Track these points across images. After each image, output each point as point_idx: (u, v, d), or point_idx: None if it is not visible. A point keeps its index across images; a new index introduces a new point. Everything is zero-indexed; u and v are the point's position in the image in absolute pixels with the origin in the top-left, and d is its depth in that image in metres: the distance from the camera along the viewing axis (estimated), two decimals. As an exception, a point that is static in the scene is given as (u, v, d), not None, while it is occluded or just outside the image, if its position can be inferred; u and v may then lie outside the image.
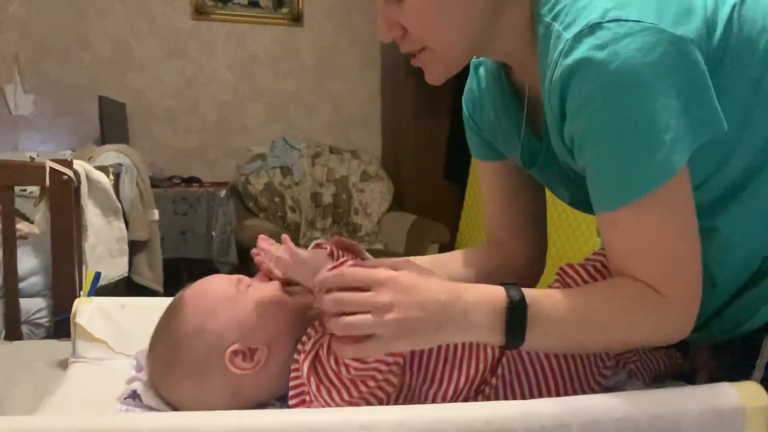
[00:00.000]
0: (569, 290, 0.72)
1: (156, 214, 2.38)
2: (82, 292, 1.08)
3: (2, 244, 1.58)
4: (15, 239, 1.59)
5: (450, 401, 0.74)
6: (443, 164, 3.56)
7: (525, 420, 0.61)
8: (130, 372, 0.81)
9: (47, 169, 1.62)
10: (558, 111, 0.70)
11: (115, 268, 1.95)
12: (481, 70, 0.93)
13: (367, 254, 0.82)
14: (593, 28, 0.64)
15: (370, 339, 0.64)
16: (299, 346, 0.74)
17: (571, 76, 0.65)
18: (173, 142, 3.73)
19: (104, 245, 1.87)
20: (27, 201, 2.65)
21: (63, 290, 1.64)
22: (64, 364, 1.00)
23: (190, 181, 3.48)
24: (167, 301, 0.81)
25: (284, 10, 3.85)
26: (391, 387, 0.72)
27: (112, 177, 2.02)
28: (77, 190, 1.74)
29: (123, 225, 2.02)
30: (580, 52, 0.64)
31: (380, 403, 0.72)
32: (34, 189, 2.60)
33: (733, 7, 0.69)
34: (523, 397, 0.76)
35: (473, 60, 0.94)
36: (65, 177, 1.63)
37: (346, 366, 0.68)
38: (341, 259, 0.74)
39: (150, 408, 0.76)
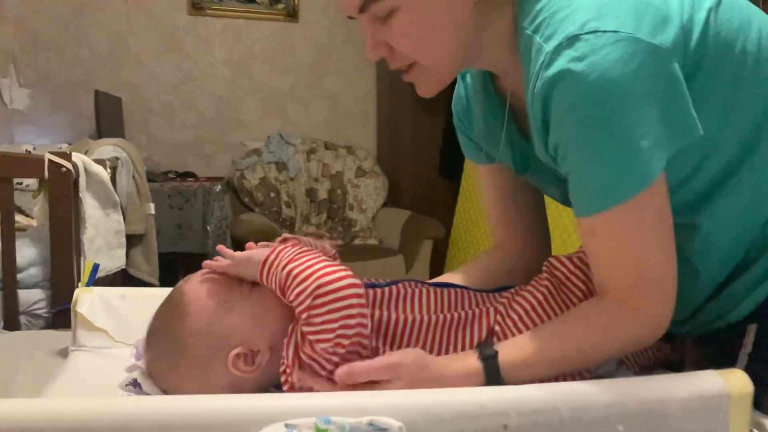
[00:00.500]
0: (541, 330, 0.74)
1: (152, 208, 2.39)
2: (80, 284, 1.09)
3: (1, 236, 1.58)
4: (14, 230, 1.60)
5: None
6: (438, 161, 3.58)
7: (517, 404, 0.63)
8: (131, 360, 0.83)
9: (46, 161, 1.63)
10: (540, 122, 0.71)
11: (113, 260, 1.95)
12: (468, 78, 0.94)
13: (329, 246, 0.86)
14: (572, 40, 0.65)
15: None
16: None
17: (552, 88, 0.67)
18: (169, 137, 3.73)
19: (102, 237, 1.88)
20: (23, 194, 2.66)
21: (61, 281, 1.65)
22: (64, 353, 1.01)
23: (185, 175, 3.48)
24: (167, 291, 0.82)
25: (280, 5, 3.85)
26: (364, 352, 0.74)
27: (109, 170, 2.02)
28: (76, 182, 1.74)
29: (121, 217, 2.03)
30: (560, 64, 0.65)
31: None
32: (31, 182, 2.60)
33: (709, 10, 0.70)
34: None
35: None
36: (64, 169, 1.64)
37: (311, 343, 0.71)
38: (279, 246, 0.77)
39: (149, 395, 0.77)
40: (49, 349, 1.06)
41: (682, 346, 0.90)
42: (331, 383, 0.72)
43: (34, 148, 3.10)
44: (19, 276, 1.68)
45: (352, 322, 0.71)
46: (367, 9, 0.73)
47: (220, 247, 0.82)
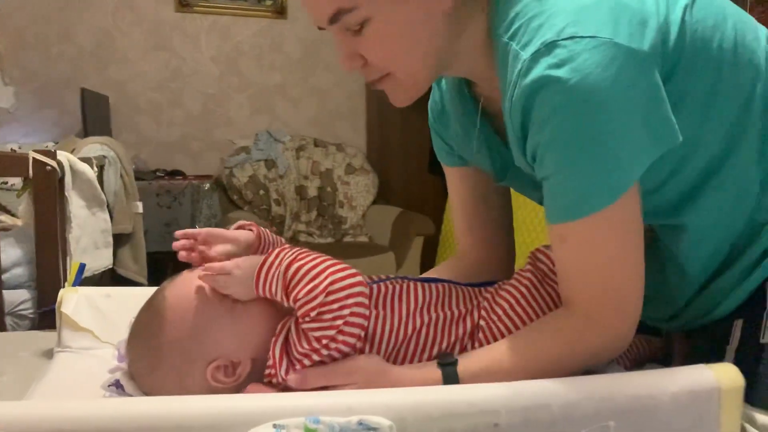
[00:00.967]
0: (503, 343, 0.73)
1: (140, 207, 2.36)
2: (66, 284, 1.08)
3: (-15, 236, 1.57)
4: (-2, 230, 1.58)
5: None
6: (428, 157, 3.57)
7: (507, 401, 0.63)
8: (113, 362, 0.81)
9: (30, 159, 1.61)
10: (519, 129, 0.70)
11: (100, 259, 1.93)
12: (443, 84, 0.93)
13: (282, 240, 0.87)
14: (549, 47, 0.64)
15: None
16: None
17: (531, 95, 0.66)
18: (157, 135, 3.71)
19: (89, 236, 1.86)
20: (7, 194, 2.63)
21: (47, 281, 1.63)
22: (49, 354, 1.00)
23: (174, 173, 3.46)
24: (153, 290, 0.80)
25: (268, 2, 3.83)
26: (351, 350, 0.73)
27: (95, 169, 2.00)
28: (61, 180, 1.72)
29: (107, 216, 2.01)
30: (538, 71, 0.64)
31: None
32: (16, 181, 2.58)
33: (685, 8, 0.70)
34: None
35: None
36: (49, 168, 1.62)
37: (317, 339, 0.70)
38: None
39: (132, 396, 0.76)
40: (33, 351, 1.05)
41: (671, 342, 0.90)
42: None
43: (19, 147, 3.08)
44: (4, 276, 1.66)
45: (357, 320, 0.71)
46: (339, 20, 0.71)
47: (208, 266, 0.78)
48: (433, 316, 0.78)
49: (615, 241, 0.68)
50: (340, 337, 0.71)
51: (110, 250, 2.02)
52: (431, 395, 0.64)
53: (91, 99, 3.10)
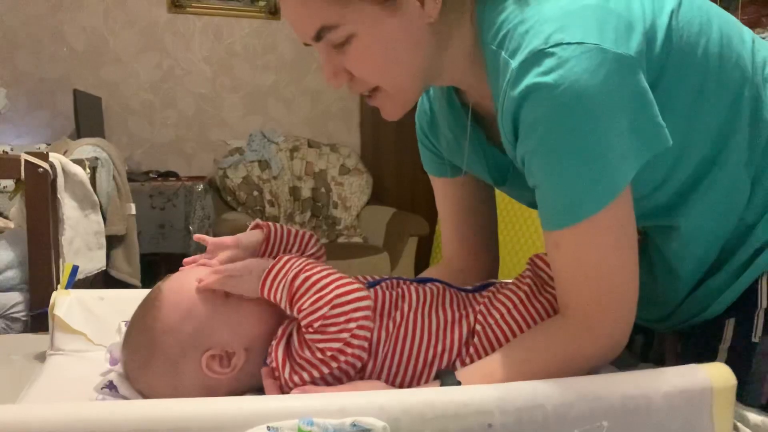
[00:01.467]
0: (502, 355, 0.72)
1: (133, 209, 2.36)
2: (59, 286, 1.07)
3: (-23, 238, 1.56)
4: (-11, 233, 1.57)
5: (425, 376, 0.76)
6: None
7: (501, 402, 0.63)
8: (105, 365, 0.81)
9: (22, 161, 1.60)
10: (511, 136, 0.71)
11: (93, 261, 1.93)
12: (432, 92, 0.93)
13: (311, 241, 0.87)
14: (538, 55, 0.64)
15: None
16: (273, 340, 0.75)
17: (520, 104, 0.66)
18: (150, 136, 3.70)
19: (81, 238, 1.85)
20: (0, 196, 2.62)
21: (40, 284, 1.62)
22: (41, 357, 0.99)
23: (167, 175, 3.45)
24: (147, 292, 0.80)
25: (261, 3, 3.83)
26: (359, 363, 0.74)
27: (88, 170, 2.00)
28: (53, 182, 1.72)
29: (100, 218, 2.00)
30: (527, 80, 0.65)
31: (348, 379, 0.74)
32: (8, 183, 2.56)
33: (671, 13, 0.70)
34: None
35: None
36: (41, 169, 1.61)
37: (321, 350, 0.70)
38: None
39: (125, 398, 0.76)
40: (26, 354, 1.04)
41: (663, 342, 0.90)
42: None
43: (11, 149, 3.06)
44: (-3, 279, 1.66)
45: (363, 333, 0.72)
46: (323, 37, 0.71)
47: (216, 259, 0.80)
48: (431, 318, 0.78)
49: (608, 246, 0.68)
50: (348, 350, 0.71)
51: (103, 252, 2.01)
52: (424, 396, 0.63)
53: (83, 100, 3.09)
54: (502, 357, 0.72)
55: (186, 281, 0.78)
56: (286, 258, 0.76)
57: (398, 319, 0.77)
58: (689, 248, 0.78)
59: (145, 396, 0.76)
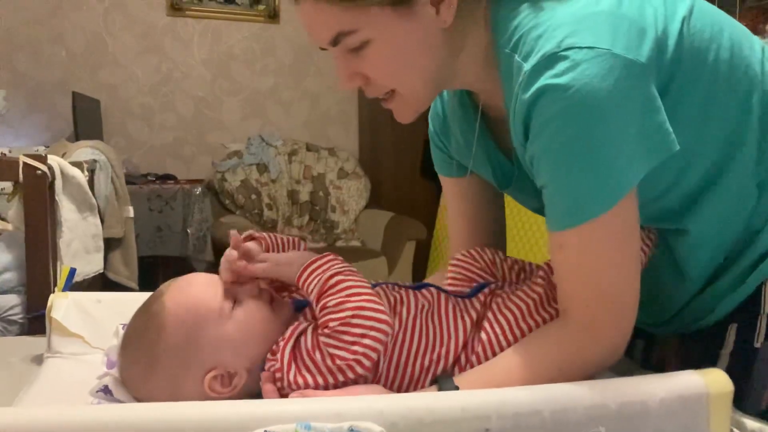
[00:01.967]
0: (502, 360, 0.73)
1: (131, 211, 2.36)
2: (56, 289, 1.07)
3: (-26, 240, 1.56)
4: (-13, 235, 1.57)
5: (422, 381, 0.76)
6: (420, 162, 3.58)
7: (499, 407, 0.62)
8: (102, 368, 0.81)
9: (21, 164, 1.60)
10: (522, 138, 0.71)
11: (91, 264, 1.93)
12: (445, 94, 0.94)
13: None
14: (550, 58, 0.65)
15: None
16: (274, 346, 0.75)
17: (532, 106, 0.66)
18: (148, 139, 3.70)
19: (79, 241, 1.85)
20: (-1, 198, 2.61)
21: (37, 286, 1.62)
22: (38, 360, 0.99)
23: (165, 178, 3.45)
24: (144, 296, 0.80)
25: (260, 6, 3.83)
26: (365, 377, 0.74)
27: (86, 173, 2.00)
28: (51, 185, 1.72)
29: (98, 221, 2.00)
30: (540, 81, 0.65)
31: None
32: (6, 185, 2.56)
33: (683, 21, 0.70)
34: None
35: None
36: (39, 172, 1.62)
37: (332, 357, 0.70)
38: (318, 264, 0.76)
39: (120, 402, 0.75)
40: (23, 356, 1.04)
41: (664, 347, 0.90)
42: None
43: (9, 151, 3.05)
44: (-6, 281, 1.66)
45: (373, 355, 0.71)
46: (340, 42, 0.72)
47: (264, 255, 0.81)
48: (428, 324, 0.78)
49: (611, 249, 0.68)
50: (359, 369, 0.71)
51: (101, 255, 2.01)
52: (422, 401, 0.64)
53: (82, 103, 3.09)
54: (501, 361, 0.72)
55: (192, 294, 0.76)
56: (331, 257, 0.77)
57: (396, 325, 0.77)
58: (696, 252, 0.78)
59: (141, 402, 0.75)
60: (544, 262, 0.83)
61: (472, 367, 0.76)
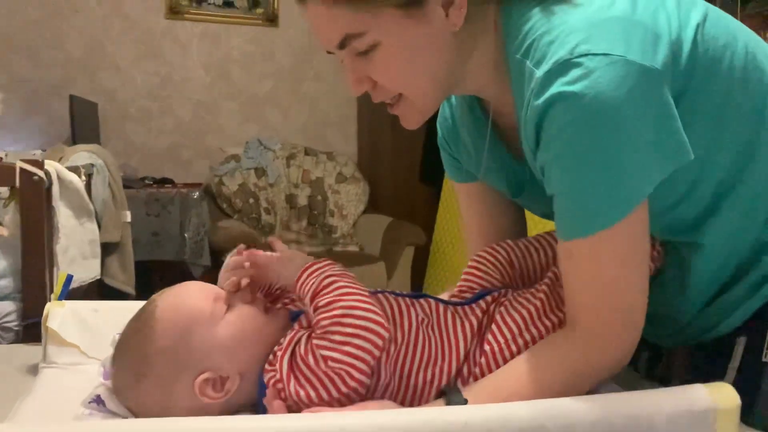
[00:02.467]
0: (510, 370, 0.72)
1: (128, 216, 2.34)
2: (53, 295, 1.06)
3: (-30, 246, 1.54)
4: (-17, 241, 1.56)
5: (425, 394, 0.75)
6: (419, 166, 3.57)
7: (503, 422, 0.62)
8: (98, 379, 0.80)
9: (17, 169, 1.59)
10: (533, 145, 0.70)
11: (88, 270, 1.91)
12: (453, 100, 0.93)
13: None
14: (563, 65, 0.64)
15: None
16: (276, 347, 0.74)
17: (544, 113, 0.65)
18: (146, 143, 3.69)
19: (76, 247, 1.84)
20: (-5, 202, 2.59)
21: (33, 293, 1.61)
22: (34, 370, 0.98)
23: (163, 182, 3.44)
24: (141, 304, 0.79)
25: (259, 10, 3.83)
26: (364, 388, 0.72)
27: (83, 177, 1.98)
28: (48, 190, 1.70)
29: (95, 227, 1.99)
30: (553, 89, 0.64)
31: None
32: (2, 190, 2.54)
33: (697, 27, 0.69)
34: None
35: None
36: (36, 177, 1.60)
37: (324, 358, 0.69)
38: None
39: (113, 413, 0.74)
40: (18, 365, 1.03)
41: (670, 360, 0.89)
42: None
43: (6, 155, 3.04)
44: (-11, 287, 1.64)
45: (368, 357, 0.70)
46: (348, 45, 0.71)
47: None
48: (431, 337, 0.77)
49: (621, 259, 0.68)
50: (355, 374, 0.70)
51: (98, 261, 2.00)
52: (425, 415, 0.63)
53: (80, 106, 3.08)
54: (509, 372, 0.71)
55: (183, 298, 0.76)
56: (329, 262, 0.77)
57: (399, 337, 0.76)
58: (706, 264, 0.77)
59: (134, 413, 0.74)
60: (551, 269, 0.82)
61: (475, 378, 0.75)
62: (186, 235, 2.98)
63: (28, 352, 1.10)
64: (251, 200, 3.55)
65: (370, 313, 0.70)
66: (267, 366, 0.74)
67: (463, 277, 0.88)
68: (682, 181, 0.71)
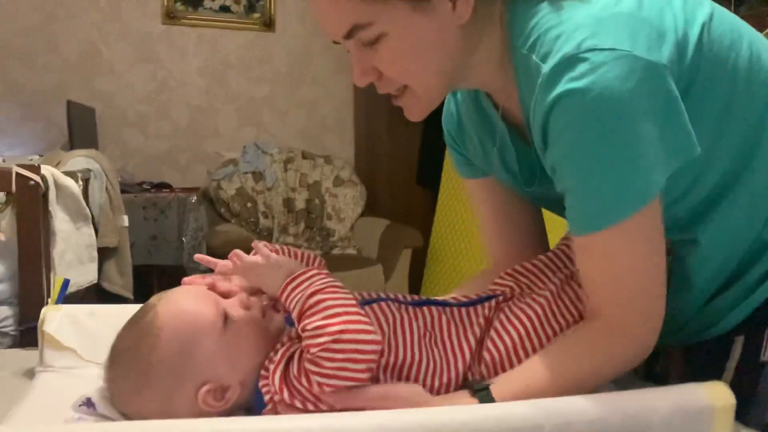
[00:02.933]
0: (533, 363, 0.72)
1: (126, 220, 2.34)
2: (50, 300, 1.06)
3: (-34, 252, 1.54)
4: (-20, 246, 1.56)
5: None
6: (416, 169, 3.57)
7: (500, 422, 0.62)
8: (98, 382, 0.79)
9: (14, 174, 1.59)
10: (541, 141, 0.71)
11: (85, 274, 1.91)
12: (459, 95, 0.93)
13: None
14: (570, 60, 0.64)
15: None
16: (266, 361, 0.74)
17: (552, 109, 0.66)
18: (143, 147, 3.69)
19: (73, 252, 1.83)
20: (-8, 207, 2.59)
21: (30, 298, 1.61)
22: (30, 374, 0.98)
23: (160, 186, 3.43)
24: (137, 308, 0.79)
25: (256, 15, 3.83)
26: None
27: (81, 182, 1.98)
28: (45, 195, 1.70)
29: (92, 231, 1.99)
30: (560, 86, 0.64)
31: None
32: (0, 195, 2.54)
33: (702, 26, 0.70)
34: None
35: None
36: (32, 182, 1.60)
37: (319, 384, 0.68)
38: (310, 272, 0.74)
39: (104, 417, 0.74)
40: (14, 370, 1.03)
41: (667, 359, 0.89)
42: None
43: (3, 160, 3.04)
44: (-14, 292, 1.64)
45: (364, 376, 0.69)
46: (354, 35, 0.71)
47: (256, 245, 0.80)
48: (434, 347, 0.77)
49: (638, 251, 0.68)
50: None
51: (95, 265, 1.99)
52: (424, 416, 0.63)
53: (77, 111, 3.08)
54: (536, 367, 0.71)
55: (185, 305, 0.75)
56: (314, 272, 0.74)
57: (401, 350, 0.75)
58: (705, 262, 0.77)
59: (129, 419, 0.74)
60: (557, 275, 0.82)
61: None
62: (184, 239, 2.98)
63: (25, 356, 1.10)
64: (249, 204, 3.55)
65: (360, 335, 0.69)
66: (263, 372, 0.74)
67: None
68: (682, 179, 0.71)
